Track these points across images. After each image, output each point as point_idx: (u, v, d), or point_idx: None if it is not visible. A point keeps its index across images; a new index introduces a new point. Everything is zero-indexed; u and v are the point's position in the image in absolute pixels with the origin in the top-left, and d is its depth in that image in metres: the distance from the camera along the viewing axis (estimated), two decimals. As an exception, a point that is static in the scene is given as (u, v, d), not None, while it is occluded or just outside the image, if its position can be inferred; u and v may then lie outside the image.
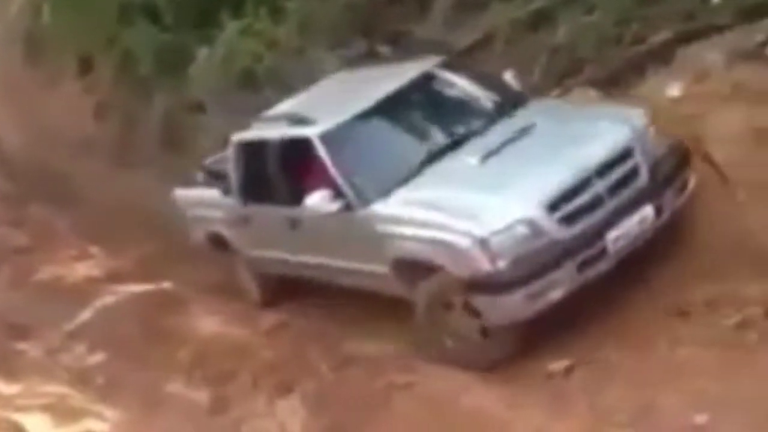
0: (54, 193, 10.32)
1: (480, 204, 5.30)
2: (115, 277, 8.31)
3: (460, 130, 5.98)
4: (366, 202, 5.73)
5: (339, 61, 8.11)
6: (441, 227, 5.29)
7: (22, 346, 7.32)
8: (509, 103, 6.14)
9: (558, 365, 5.28)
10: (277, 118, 6.62)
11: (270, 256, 6.84)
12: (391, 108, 6.08)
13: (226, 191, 7.03)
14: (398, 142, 6.10)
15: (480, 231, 5.15)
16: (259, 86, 9.02)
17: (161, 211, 9.67)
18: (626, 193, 5.32)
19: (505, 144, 5.58)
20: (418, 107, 6.27)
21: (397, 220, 5.54)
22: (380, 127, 6.12)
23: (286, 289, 7.05)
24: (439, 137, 6.02)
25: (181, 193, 7.85)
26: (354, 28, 8.61)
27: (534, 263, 5.16)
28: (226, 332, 7.15)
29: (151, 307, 7.67)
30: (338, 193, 5.81)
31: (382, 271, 5.70)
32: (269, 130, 6.62)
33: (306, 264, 6.48)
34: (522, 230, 5.18)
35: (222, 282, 7.77)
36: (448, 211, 5.32)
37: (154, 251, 8.53)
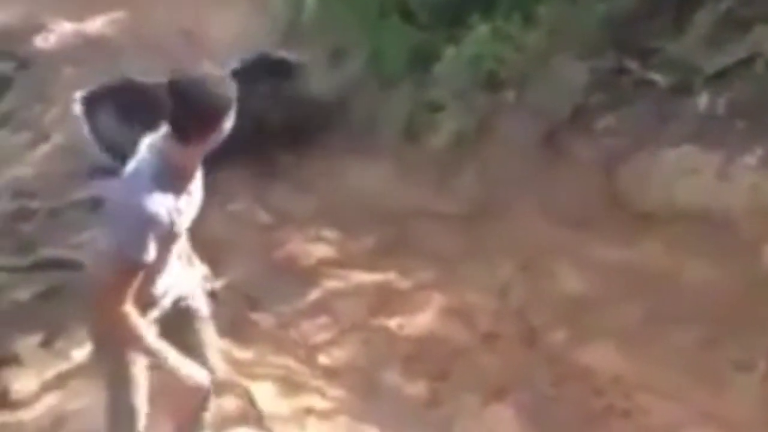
0: (295, 177, 10.78)
1: None
2: (344, 263, 8.55)
3: None
4: None
5: (586, 72, 7.98)
6: None
7: (255, 316, 7.66)
8: None
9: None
10: None
11: None
12: None
13: None
14: None
15: None
16: (501, 89, 9.03)
17: (394, 203, 9.92)
18: None
19: None
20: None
21: None
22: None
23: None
24: None
25: None
26: (606, 39, 8.41)
27: None
28: (444, 329, 7.19)
29: (374, 296, 7.84)
30: None
31: None
32: None
33: None
34: None
35: (444, 278, 7.86)
36: None
37: (383, 242, 8.73)
